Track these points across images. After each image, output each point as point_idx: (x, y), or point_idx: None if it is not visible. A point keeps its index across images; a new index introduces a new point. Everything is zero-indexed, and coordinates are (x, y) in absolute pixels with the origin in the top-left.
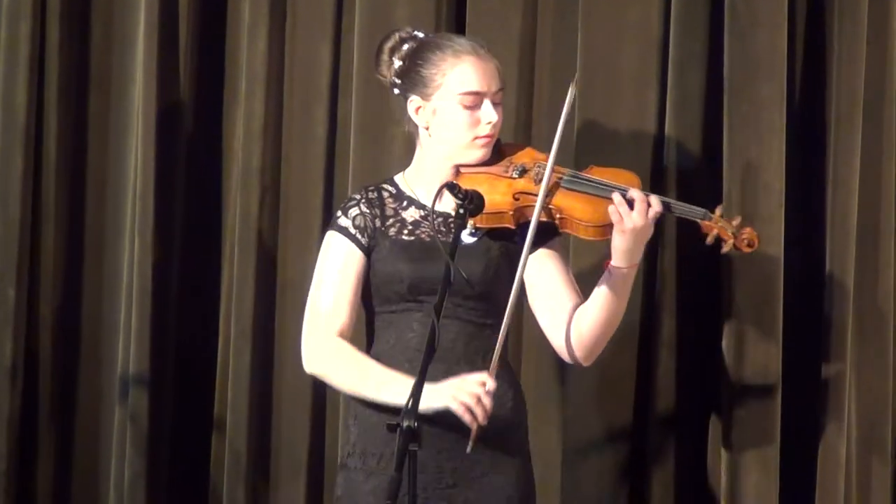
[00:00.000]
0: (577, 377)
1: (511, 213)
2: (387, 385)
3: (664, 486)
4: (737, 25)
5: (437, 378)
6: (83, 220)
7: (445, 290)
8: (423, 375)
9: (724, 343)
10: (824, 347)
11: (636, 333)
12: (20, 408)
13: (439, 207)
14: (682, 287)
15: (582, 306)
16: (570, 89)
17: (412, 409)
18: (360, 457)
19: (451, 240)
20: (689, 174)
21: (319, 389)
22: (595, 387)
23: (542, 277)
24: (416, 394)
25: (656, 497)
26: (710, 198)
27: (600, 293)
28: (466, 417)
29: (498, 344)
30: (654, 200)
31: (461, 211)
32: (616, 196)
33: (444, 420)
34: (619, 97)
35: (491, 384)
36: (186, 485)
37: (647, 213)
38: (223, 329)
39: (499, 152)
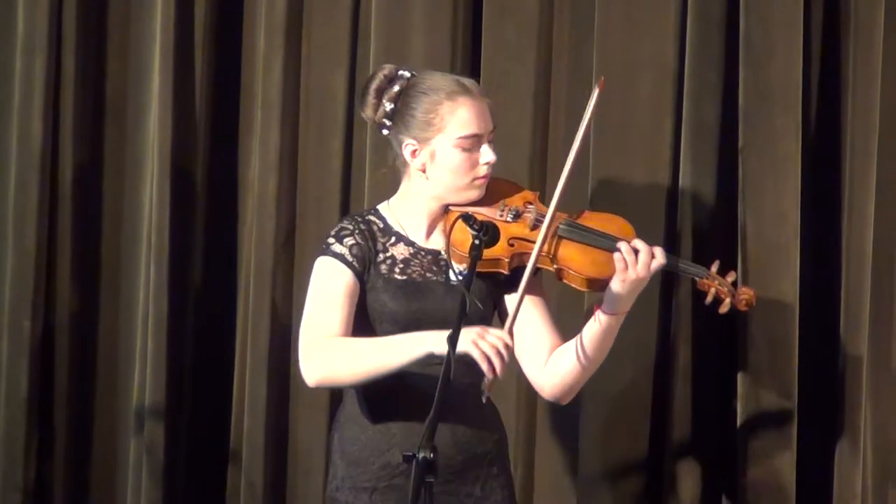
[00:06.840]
0: (593, 407)
1: (507, 259)
2: (391, 349)
3: None
4: (752, 56)
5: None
6: (99, 250)
7: (461, 322)
8: (437, 408)
9: (739, 373)
10: (840, 377)
11: (652, 363)
12: (37, 439)
13: (429, 245)
14: (698, 317)
15: (562, 347)
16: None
17: (427, 440)
18: (350, 491)
19: (442, 279)
20: (704, 204)
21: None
22: (611, 416)
23: (521, 317)
24: (432, 425)
25: None
26: (725, 227)
27: (586, 338)
28: (484, 366)
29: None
30: (659, 253)
31: (476, 242)
32: (623, 245)
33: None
34: (635, 127)
35: (510, 343)
36: None
37: (650, 266)
38: (239, 360)
39: (489, 190)
